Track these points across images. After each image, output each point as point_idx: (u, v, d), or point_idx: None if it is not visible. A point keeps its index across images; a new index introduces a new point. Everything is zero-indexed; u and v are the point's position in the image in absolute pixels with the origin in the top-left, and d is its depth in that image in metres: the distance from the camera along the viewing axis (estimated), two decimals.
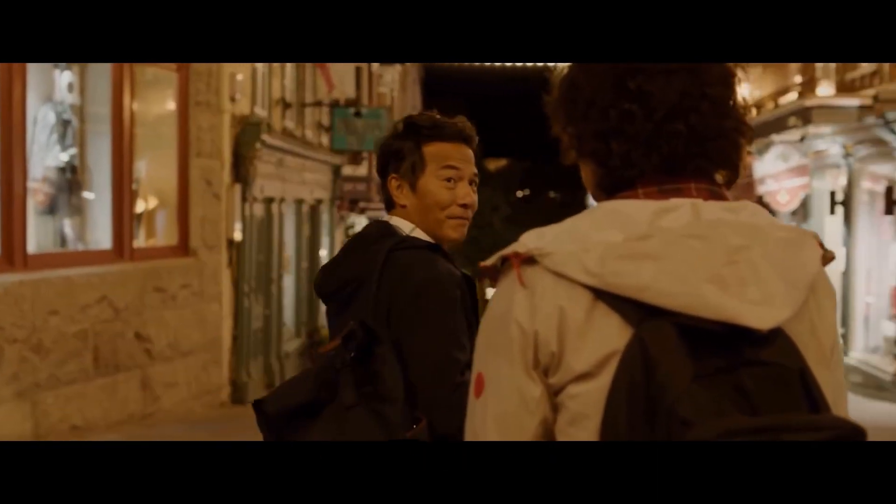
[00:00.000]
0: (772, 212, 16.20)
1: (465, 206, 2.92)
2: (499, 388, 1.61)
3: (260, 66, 14.69)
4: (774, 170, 20.82)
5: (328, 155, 19.29)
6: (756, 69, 21.25)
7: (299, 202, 17.96)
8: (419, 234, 2.91)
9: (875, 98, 14.56)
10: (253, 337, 14.17)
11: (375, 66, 25.69)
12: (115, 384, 9.99)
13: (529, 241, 1.62)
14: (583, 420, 1.56)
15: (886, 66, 15.24)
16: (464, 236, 2.95)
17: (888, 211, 14.95)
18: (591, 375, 1.55)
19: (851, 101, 15.59)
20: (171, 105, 12.26)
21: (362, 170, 22.88)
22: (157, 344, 10.88)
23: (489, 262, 1.67)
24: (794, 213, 20.41)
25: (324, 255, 19.71)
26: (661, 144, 1.65)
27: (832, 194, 17.99)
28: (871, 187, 17.27)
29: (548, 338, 1.57)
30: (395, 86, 30.39)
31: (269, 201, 15.34)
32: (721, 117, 1.68)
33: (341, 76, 19.76)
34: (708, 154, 1.67)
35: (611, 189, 1.71)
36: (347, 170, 21.34)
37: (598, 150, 1.70)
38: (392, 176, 2.95)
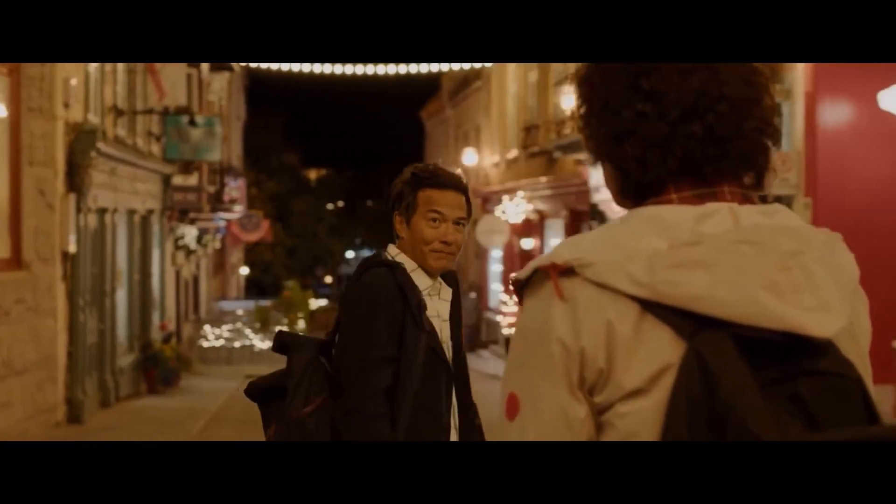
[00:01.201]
0: (606, 219, 16.56)
1: (446, 243, 3.49)
2: (538, 408, 1.50)
3: (93, 71, 14.13)
4: None
5: (159, 164, 18.79)
6: None
7: (131, 213, 17.41)
8: (402, 258, 3.52)
9: None
10: (88, 353, 13.63)
11: (205, 73, 25.14)
12: None
13: (565, 251, 1.51)
14: (634, 438, 1.46)
15: None
16: (446, 266, 3.53)
17: None
18: (642, 392, 1.45)
19: None
20: (2, 111, 11.67)
21: (193, 179, 22.34)
22: None
23: (521, 274, 1.54)
24: None
25: (155, 267, 19.16)
26: (675, 147, 1.56)
27: None
28: None
29: (595, 354, 1.46)
30: (224, 94, 29.85)
31: (102, 212, 14.81)
32: (741, 118, 1.59)
33: (173, 83, 19.21)
34: (728, 156, 1.59)
35: (636, 194, 1.61)
36: (178, 179, 20.85)
37: (612, 152, 1.62)
38: (396, 212, 3.56)
